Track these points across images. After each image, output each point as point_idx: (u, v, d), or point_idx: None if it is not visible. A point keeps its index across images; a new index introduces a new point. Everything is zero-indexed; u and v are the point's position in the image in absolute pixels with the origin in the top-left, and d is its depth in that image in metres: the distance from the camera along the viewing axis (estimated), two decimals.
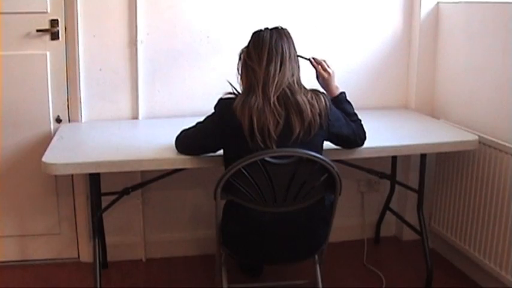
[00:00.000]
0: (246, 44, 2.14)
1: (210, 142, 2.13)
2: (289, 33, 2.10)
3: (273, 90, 1.99)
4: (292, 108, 2.01)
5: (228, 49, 2.87)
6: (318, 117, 2.02)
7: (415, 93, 3.12)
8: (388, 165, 3.01)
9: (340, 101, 2.30)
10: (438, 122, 2.93)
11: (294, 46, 2.09)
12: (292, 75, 2.04)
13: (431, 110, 3.13)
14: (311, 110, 2.01)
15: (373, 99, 3.14)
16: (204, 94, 2.87)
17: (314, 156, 1.97)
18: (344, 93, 2.34)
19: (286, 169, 1.99)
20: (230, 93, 2.10)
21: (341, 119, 2.18)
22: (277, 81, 2.00)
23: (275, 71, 2.01)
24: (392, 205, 3.18)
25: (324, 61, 2.34)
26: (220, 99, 2.07)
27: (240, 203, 2.06)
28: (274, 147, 1.99)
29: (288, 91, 2.02)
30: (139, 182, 2.78)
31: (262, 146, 1.98)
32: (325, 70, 2.31)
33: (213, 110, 2.11)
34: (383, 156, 2.59)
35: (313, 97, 2.05)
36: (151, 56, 2.84)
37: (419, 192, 2.77)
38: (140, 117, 2.89)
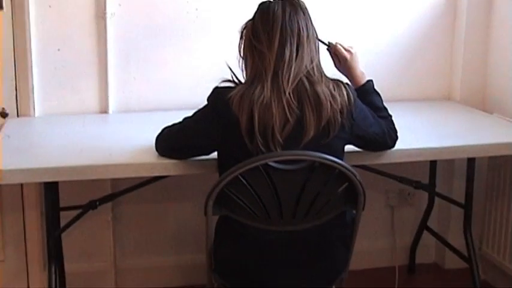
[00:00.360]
0: (248, 18, 2.14)
1: (200, 142, 2.13)
2: (305, 6, 2.11)
3: (289, 81, 2.00)
4: (308, 103, 2.01)
5: (223, 25, 2.91)
6: (338, 115, 2.03)
7: (460, 81, 3.17)
8: (426, 172, 3.06)
9: (367, 92, 2.30)
10: (490, 118, 2.95)
11: (312, 23, 2.10)
12: (312, 60, 2.05)
13: (482, 103, 3.18)
14: (331, 105, 2.01)
15: (407, 88, 3.18)
16: (192, 82, 2.91)
17: (330, 160, 1.97)
18: (371, 81, 2.35)
19: (295, 177, 1.99)
20: (229, 80, 2.10)
21: (368, 117, 2.18)
22: (294, 69, 2.01)
23: (291, 55, 2.01)
24: (431, 223, 3.22)
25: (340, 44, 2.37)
26: (215, 89, 2.08)
27: (237, 220, 2.07)
28: (279, 150, 2.00)
29: (305, 81, 2.02)
30: (109, 194, 2.78)
31: (263, 149, 1.99)
32: (346, 50, 2.33)
33: (205, 103, 2.12)
34: (419, 161, 2.63)
35: (335, 88, 2.04)
36: (125, 33, 2.86)
37: (466, 207, 2.81)
38: (110, 110, 2.92)
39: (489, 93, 3.13)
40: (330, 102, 2.01)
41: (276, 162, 1.96)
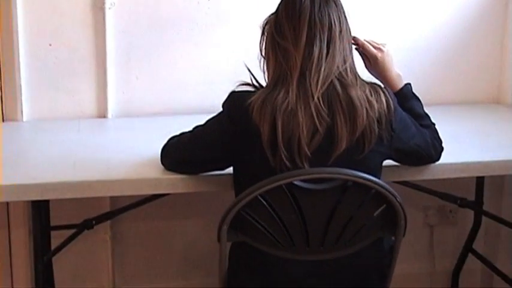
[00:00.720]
0: (272, 10, 2.09)
1: (214, 155, 2.10)
2: None
3: (318, 83, 1.96)
4: (340, 110, 1.96)
5: (239, 17, 2.92)
6: (375, 125, 1.98)
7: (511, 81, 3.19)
8: (471, 187, 3.05)
9: (405, 97, 2.26)
10: None
11: (345, 16, 2.06)
12: (345, 60, 2.01)
13: None
14: (367, 113, 1.97)
15: (449, 90, 3.18)
16: (203, 83, 2.92)
17: (366, 179, 1.92)
18: (409, 84, 2.31)
19: (324, 198, 1.95)
20: (247, 84, 2.07)
21: (410, 127, 2.13)
22: (324, 69, 1.97)
23: (320, 53, 1.97)
24: (476, 245, 3.19)
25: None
26: (232, 93, 2.03)
27: (256, 247, 2.03)
28: (306, 166, 1.95)
29: (337, 84, 1.98)
30: (108, 211, 2.78)
31: (288, 164, 1.94)
32: (376, 48, 2.29)
33: (219, 109, 2.07)
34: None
35: (372, 93, 2.00)
36: (126, 25, 2.86)
37: None
38: (110, 115, 2.92)
39: None
40: (366, 109, 1.96)
41: (302, 180, 1.92)
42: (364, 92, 1.99)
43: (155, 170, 2.22)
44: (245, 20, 2.90)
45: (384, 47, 2.29)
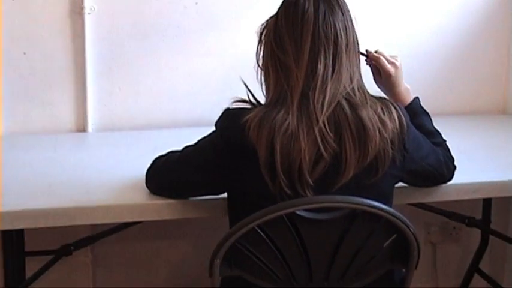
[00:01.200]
0: (265, 14, 1.99)
1: (205, 179, 1.99)
2: (344, 1, 1.96)
3: (324, 106, 1.85)
4: (349, 134, 1.84)
5: (230, 22, 2.87)
6: (389, 147, 1.87)
7: None
8: (477, 204, 3.02)
9: (415, 113, 2.17)
10: None
11: (353, 25, 1.95)
12: (351, 77, 1.90)
13: None
14: (380, 135, 1.86)
15: (453, 100, 3.14)
16: (191, 94, 2.87)
17: (378, 208, 1.82)
18: (418, 98, 2.24)
19: (330, 229, 1.85)
20: (244, 100, 1.95)
21: (423, 146, 2.04)
22: (330, 89, 1.86)
23: (325, 71, 1.86)
24: (483, 266, 3.14)
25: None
26: (226, 110, 1.93)
27: (252, 282, 1.92)
28: (309, 194, 1.85)
29: (345, 104, 1.87)
30: (87, 236, 2.69)
31: (288, 192, 1.84)
32: (391, 63, 2.22)
33: (209, 122, 1.99)
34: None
35: (384, 111, 1.90)
36: (107, 32, 2.81)
37: None
38: (90, 128, 2.86)
39: None
40: (379, 130, 1.86)
41: (306, 210, 1.83)
42: (376, 111, 1.89)
43: (140, 194, 2.12)
44: (236, 25, 2.87)
45: (397, 60, 2.22)
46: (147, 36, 2.82)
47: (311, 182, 1.84)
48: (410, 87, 2.25)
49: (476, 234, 3.11)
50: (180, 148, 2.07)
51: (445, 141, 2.20)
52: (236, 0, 2.86)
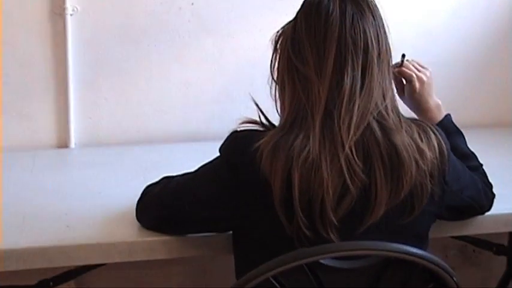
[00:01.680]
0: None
1: (207, 214, 1.83)
2: (375, 4, 1.80)
3: (351, 127, 1.68)
4: (380, 164, 1.67)
5: (229, 26, 2.78)
6: (428, 180, 1.71)
7: None
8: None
9: (448, 132, 2.01)
10: None
11: (385, 31, 1.79)
12: (384, 94, 1.73)
13: None
14: (417, 166, 1.69)
15: (471, 111, 3.07)
16: (185, 106, 2.80)
17: (417, 255, 1.63)
18: (449, 115, 2.13)
19: (357, 279, 1.69)
20: (254, 121, 1.80)
21: (461, 176, 1.89)
22: (359, 108, 1.69)
23: (353, 85, 1.69)
24: None
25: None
26: (233, 133, 1.78)
27: None
28: (333, 237, 1.68)
29: (376, 128, 1.70)
30: (68, 270, 2.51)
31: (308, 233, 1.66)
32: (421, 73, 2.12)
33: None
34: None
35: (422, 137, 1.74)
36: (92, 36, 2.73)
37: None
38: (73, 144, 2.78)
39: None
40: (416, 160, 1.69)
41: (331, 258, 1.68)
42: (412, 136, 1.72)
43: (130, 229, 1.98)
44: (235, 29, 2.79)
45: (427, 72, 2.11)
46: (137, 40, 2.74)
47: (335, 222, 1.67)
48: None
49: (497, 257, 2.96)
50: (174, 170, 1.95)
51: (481, 165, 2.07)
52: (237, 1, 2.77)
